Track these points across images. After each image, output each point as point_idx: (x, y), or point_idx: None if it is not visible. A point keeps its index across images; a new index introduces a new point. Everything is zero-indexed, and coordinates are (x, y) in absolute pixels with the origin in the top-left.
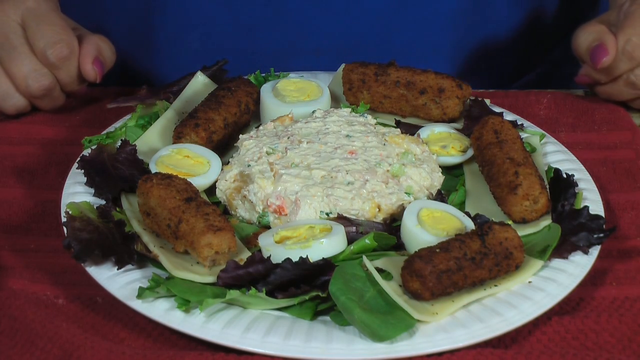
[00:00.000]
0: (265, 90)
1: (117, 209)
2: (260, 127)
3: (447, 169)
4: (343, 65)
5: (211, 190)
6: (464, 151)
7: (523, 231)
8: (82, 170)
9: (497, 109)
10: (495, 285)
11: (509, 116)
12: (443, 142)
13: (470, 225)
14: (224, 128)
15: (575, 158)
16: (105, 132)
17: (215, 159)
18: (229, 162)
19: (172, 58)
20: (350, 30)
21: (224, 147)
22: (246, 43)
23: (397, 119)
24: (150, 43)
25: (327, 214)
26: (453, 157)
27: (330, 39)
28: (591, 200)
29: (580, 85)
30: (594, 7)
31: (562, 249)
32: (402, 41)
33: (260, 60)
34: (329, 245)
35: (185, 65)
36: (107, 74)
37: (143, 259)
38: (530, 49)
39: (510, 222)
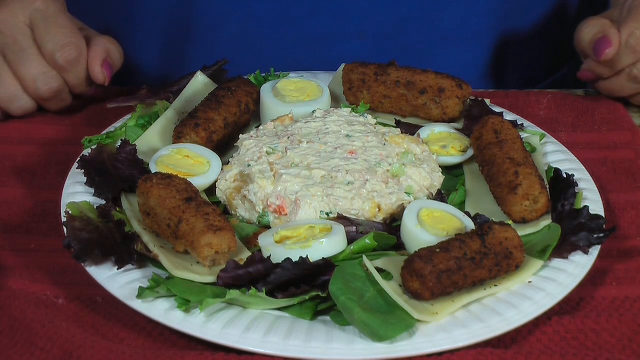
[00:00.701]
0: (265, 90)
1: (117, 209)
2: (260, 127)
3: (447, 169)
4: (343, 65)
5: (211, 190)
6: (464, 151)
7: (523, 231)
8: (82, 170)
9: (497, 109)
10: (496, 285)
11: (509, 116)
12: (443, 142)
13: (470, 225)
14: (224, 128)
15: (575, 158)
16: (105, 132)
17: (215, 159)
18: (229, 162)
19: (211, 46)
20: (394, 13)
21: (224, 147)
22: (288, 28)
23: (397, 119)
24: (189, 29)
25: (327, 214)
26: (453, 157)
27: (373, 24)
28: (591, 200)
29: (583, 80)
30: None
31: (562, 249)
32: (445, 25)
33: (303, 45)
34: (329, 245)
35: (225, 52)
36: (141, 67)
37: (143, 259)
38: (562, 40)
39: (510, 222)
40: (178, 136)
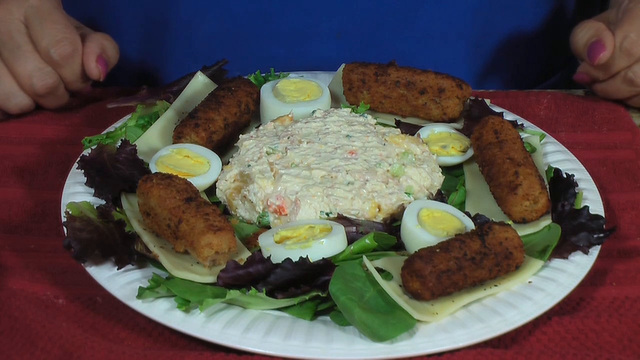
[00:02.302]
0: (265, 90)
1: (117, 209)
2: (260, 127)
3: (447, 169)
4: (343, 65)
5: (211, 190)
6: (464, 151)
7: (523, 231)
8: (82, 170)
9: (497, 109)
10: (495, 285)
11: (509, 116)
12: (443, 142)
13: (470, 225)
14: (224, 128)
15: (575, 158)
16: (105, 132)
17: (215, 159)
18: (229, 162)
19: (189, 41)
20: (372, 12)
21: (224, 147)
22: (264, 25)
23: (397, 119)
24: (166, 24)
25: (327, 214)
26: (453, 157)
27: (350, 22)
28: (591, 200)
29: (579, 82)
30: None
31: (562, 249)
32: (423, 25)
33: (279, 43)
34: (329, 245)
35: (203, 47)
36: (121, 61)
37: (143, 259)
38: (556, 47)
39: (510, 222)
40: (178, 136)
